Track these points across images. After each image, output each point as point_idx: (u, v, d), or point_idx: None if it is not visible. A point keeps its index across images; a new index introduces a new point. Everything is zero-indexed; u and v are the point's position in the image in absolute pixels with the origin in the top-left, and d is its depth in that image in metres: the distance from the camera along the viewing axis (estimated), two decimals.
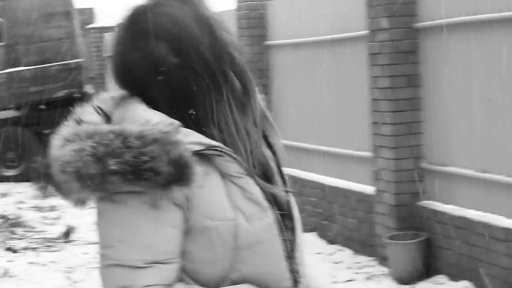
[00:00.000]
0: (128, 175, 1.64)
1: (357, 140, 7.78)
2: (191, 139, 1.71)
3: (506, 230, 5.88)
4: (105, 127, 1.70)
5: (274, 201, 1.81)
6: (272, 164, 1.87)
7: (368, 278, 6.99)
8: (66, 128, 1.73)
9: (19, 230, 9.66)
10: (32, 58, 13.48)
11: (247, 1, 9.59)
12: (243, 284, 1.74)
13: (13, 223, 9.96)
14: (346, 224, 7.89)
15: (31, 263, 8.10)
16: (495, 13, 6.01)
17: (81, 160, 1.65)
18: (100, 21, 17.43)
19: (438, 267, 6.67)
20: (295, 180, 8.33)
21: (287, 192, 1.88)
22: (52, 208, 10.87)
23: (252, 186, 1.76)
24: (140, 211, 1.68)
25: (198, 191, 1.70)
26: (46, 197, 11.51)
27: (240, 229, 1.72)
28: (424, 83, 6.88)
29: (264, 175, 1.84)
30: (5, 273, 7.65)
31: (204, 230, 1.71)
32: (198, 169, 1.69)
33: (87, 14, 17.70)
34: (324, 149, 8.41)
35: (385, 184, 7.08)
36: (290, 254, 1.81)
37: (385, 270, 7.03)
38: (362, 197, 7.60)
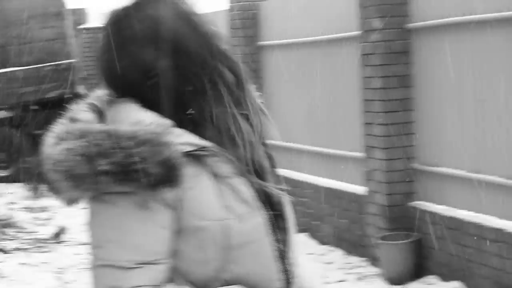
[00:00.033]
0: (119, 175, 1.65)
1: (349, 140, 7.78)
2: (182, 140, 1.71)
3: (497, 230, 5.89)
4: (98, 127, 1.70)
5: (268, 201, 1.81)
6: (266, 163, 1.87)
7: (359, 279, 7.00)
8: (60, 126, 1.73)
9: (10, 231, 9.63)
10: (24, 59, 13.45)
11: (240, 2, 9.59)
12: (235, 286, 1.74)
13: (4, 224, 9.93)
14: (338, 224, 7.90)
15: (22, 263, 8.08)
16: (486, 14, 6.02)
17: (73, 160, 1.66)
18: (92, 22, 17.40)
19: (429, 267, 6.68)
20: (287, 180, 8.30)
21: (281, 191, 1.87)
22: (43, 209, 10.85)
23: (244, 186, 1.76)
24: (130, 211, 1.68)
25: (189, 192, 1.71)
26: (37, 198, 11.47)
27: (231, 229, 1.72)
28: (416, 84, 6.89)
29: (257, 173, 1.83)
30: None
31: (195, 230, 1.71)
32: (188, 170, 1.69)
33: (79, 15, 17.67)
34: (316, 150, 8.41)
35: (377, 185, 7.09)
36: (283, 254, 1.81)
37: (376, 270, 7.03)
38: (354, 198, 7.60)
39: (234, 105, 1.80)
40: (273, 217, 1.80)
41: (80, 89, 13.99)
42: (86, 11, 18.53)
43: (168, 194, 1.68)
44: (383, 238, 6.88)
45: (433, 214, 6.61)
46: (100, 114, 1.79)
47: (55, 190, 1.71)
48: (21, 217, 10.37)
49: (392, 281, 6.72)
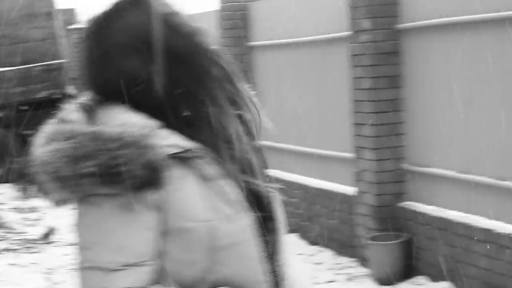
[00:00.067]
0: (103, 177, 1.65)
1: (339, 141, 7.79)
2: (168, 142, 1.71)
3: (486, 231, 5.91)
4: (85, 128, 1.70)
5: (258, 203, 1.81)
6: (257, 162, 1.86)
7: (349, 279, 7.00)
8: (50, 127, 1.73)
9: None
10: (14, 59, 13.42)
11: (230, 2, 9.59)
12: None
13: None
14: (328, 225, 7.90)
15: (11, 264, 8.06)
16: (476, 14, 6.03)
17: (59, 161, 1.66)
18: (82, 22, 17.38)
19: (418, 268, 6.69)
20: (277, 181, 8.32)
21: (271, 190, 1.87)
22: (32, 210, 10.82)
23: (230, 188, 1.76)
24: (115, 213, 1.68)
25: (174, 194, 1.70)
26: (26, 198, 11.45)
27: (217, 230, 1.72)
28: (406, 84, 6.90)
29: (249, 173, 1.83)
30: None
31: (181, 232, 1.71)
32: (174, 172, 1.69)
33: (69, 15, 17.64)
34: (306, 150, 8.42)
35: (366, 185, 7.10)
36: (272, 256, 1.81)
37: (366, 271, 7.04)
38: (343, 198, 7.61)
39: (227, 103, 1.79)
40: (261, 218, 1.79)
41: (70, 89, 13.96)
42: (76, 11, 18.50)
43: (153, 196, 1.68)
44: (372, 238, 6.89)
45: (422, 215, 6.62)
46: (92, 114, 1.79)
47: (43, 191, 1.71)
48: (10, 217, 10.34)
49: (382, 282, 6.73)
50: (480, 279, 5.98)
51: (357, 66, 7.12)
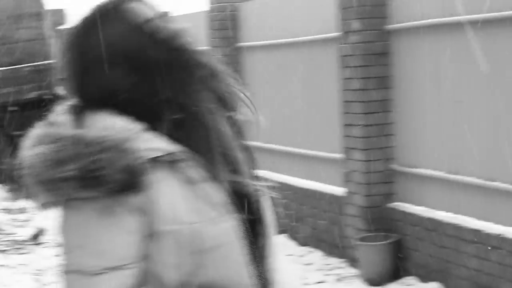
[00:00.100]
0: (83, 181, 1.65)
1: (328, 142, 7.79)
2: (150, 145, 1.70)
3: (475, 231, 5.92)
4: (68, 131, 1.70)
5: (246, 206, 1.80)
6: (246, 163, 1.85)
7: (338, 280, 7.01)
8: (38, 129, 1.74)
9: None
10: (3, 59, 13.38)
11: (219, 3, 9.58)
12: None
13: None
14: (317, 225, 7.90)
15: (0, 265, 8.04)
16: (465, 15, 6.04)
17: (42, 164, 1.67)
18: (71, 23, 17.35)
19: (408, 268, 6.70)
20: (266, 181, 8.32)
21: (261, 192, 1.87)
22: (21, 210, 10.80)
23: (214, 190, 1.75)
24: (96, 217, 1.68)
25: (157, 197, 1.70)
26: (15, 199, 11.42)
27: (201, 233, 1.71)
28: (396, 85, 6.91)
29: (238, 174, 1.82)
30: None
31: (165, 235, 1.71)
32: (157, 175, 1.69)
33: (58, 16, 17.60)
34: (295, 151, 8.42)
35: (355, 186, 7.10)
36: (259, 259, 1.80)
37: (355, 271, 7.04)
38: (332, 199, 7.61)
39: (215, 103, 1.79)
40: (247, 221, 1.79)
41: (59, 90, 13.93)
42: (65, 12, 18.46)
43: (134, 199, 1.68)
44: (362, 239, 6.90)
45: (411, 215, 6.63)
46: (80, 116, 1.78)
47: (30, 194, 1.71)
48: None
49: (371, 282, 6.73)
50: (470, 279, 5.99)
51: (346, 67, 7.13)
